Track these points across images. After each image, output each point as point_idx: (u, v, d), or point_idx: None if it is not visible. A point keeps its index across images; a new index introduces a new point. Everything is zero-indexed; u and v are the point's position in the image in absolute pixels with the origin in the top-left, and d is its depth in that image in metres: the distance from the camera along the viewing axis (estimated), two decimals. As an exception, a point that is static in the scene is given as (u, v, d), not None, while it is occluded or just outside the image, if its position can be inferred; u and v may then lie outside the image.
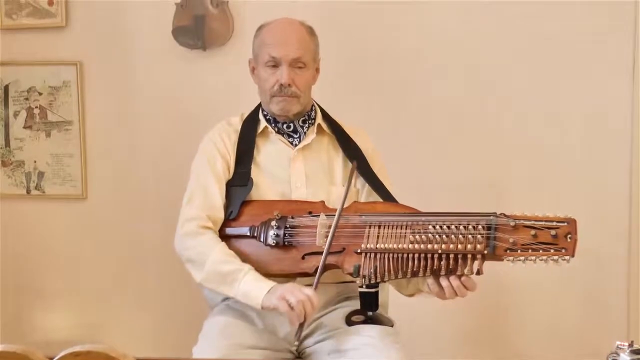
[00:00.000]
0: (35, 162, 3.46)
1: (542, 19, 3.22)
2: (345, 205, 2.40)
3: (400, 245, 2.29)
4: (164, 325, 3.45)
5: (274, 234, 2.42)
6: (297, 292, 2.27)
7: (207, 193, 2.53)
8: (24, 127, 3.44)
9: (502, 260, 2.23)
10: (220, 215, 2.51)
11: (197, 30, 3.28)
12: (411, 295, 2.49)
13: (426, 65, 3.29)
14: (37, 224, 3.49)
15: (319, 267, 2.32)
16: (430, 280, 2.29)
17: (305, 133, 2.61)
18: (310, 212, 2.44)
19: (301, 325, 2.28)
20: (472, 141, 3.29)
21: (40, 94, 3.42)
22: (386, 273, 2.29)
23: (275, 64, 2.52)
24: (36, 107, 3.42)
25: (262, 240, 2.44)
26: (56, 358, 1.45)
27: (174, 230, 2.55)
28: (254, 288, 2.34)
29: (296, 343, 2.43)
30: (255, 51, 2.61)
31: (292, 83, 2.51)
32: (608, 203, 3.26)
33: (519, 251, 2.20)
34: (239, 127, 2.63)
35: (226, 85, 3.33)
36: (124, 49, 3.38)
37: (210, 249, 2.43)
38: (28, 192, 3.47)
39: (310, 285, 2.31)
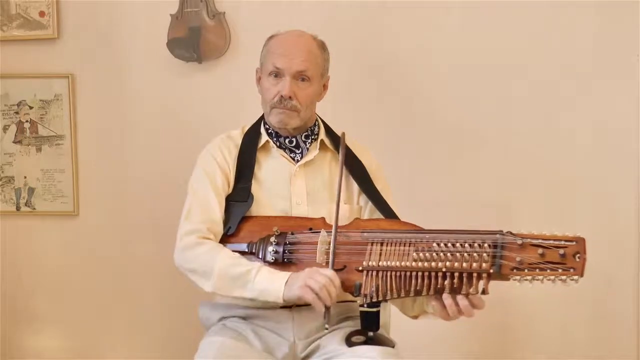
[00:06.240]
0: (25, 177, 3.40)
1: (547, 34, 3.21)
2: (348, 222, 2.40)
3: (403, 263, 2.25)
4: (159, 345, 3.40)
5: (273, 250, 2.38)
6: (318, 276, 2.24)
7: (206, 207, 2.49)
8: (14, 142, 3.39)
9: (509, 279, 2.19)
10: (220, 229, 2.47)
11: (192, 42, 3.23)
12: (416, 317, 2.46)
13: (431, 80, 3.26)
14: (27, 242, 3.44)
15: (332, 243, 2.29)
16: (434, 302, 2.24)
17: (307, 149, 2.58)
18: (310, 229, 2.41)
19: (328, 309, 2.24)
20: (477, 158, 3.26)
21: (30, 107, 3.36)
22: (388, 292, 2.25)
23: (279, 75, 2.50)
24: (27, 121, 3.37)
25: (260, 257, 2.40)
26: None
27: (169, 247, 2.50)
28: (271, 283, 2.30)
29: (327, 327, 2.31)
30: (261, 60, 2.59)
31: (294, 96, 2.48)
32: (616, 221, 3.22)
33: (525, 270, 2.16)
34: (240, 141, 2.59)
35: (223, 98, 3.28)
36: (118, 62, 3.33)
37: (214, 256, 2.38)
38: (18, 208, 3.41)
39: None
